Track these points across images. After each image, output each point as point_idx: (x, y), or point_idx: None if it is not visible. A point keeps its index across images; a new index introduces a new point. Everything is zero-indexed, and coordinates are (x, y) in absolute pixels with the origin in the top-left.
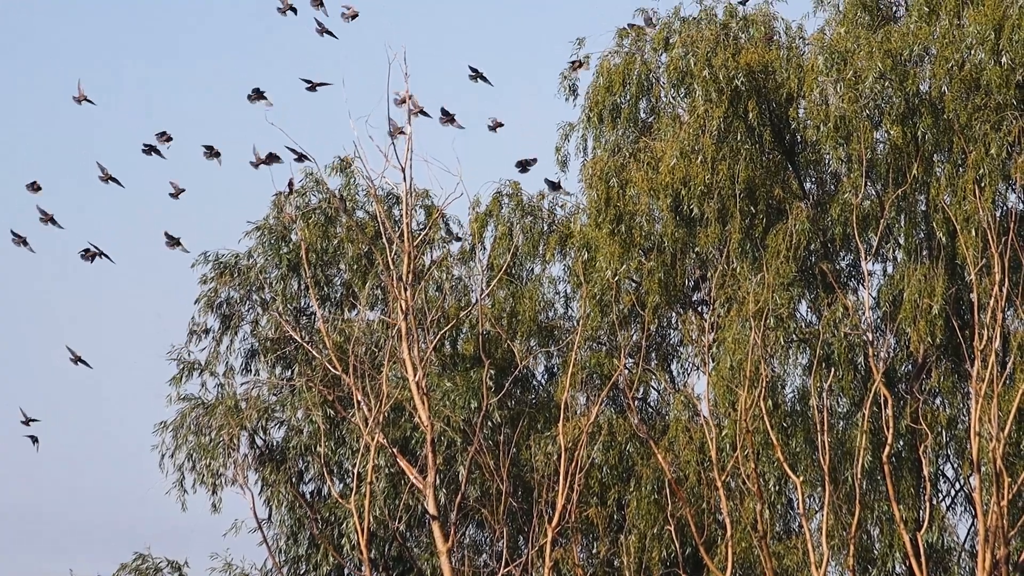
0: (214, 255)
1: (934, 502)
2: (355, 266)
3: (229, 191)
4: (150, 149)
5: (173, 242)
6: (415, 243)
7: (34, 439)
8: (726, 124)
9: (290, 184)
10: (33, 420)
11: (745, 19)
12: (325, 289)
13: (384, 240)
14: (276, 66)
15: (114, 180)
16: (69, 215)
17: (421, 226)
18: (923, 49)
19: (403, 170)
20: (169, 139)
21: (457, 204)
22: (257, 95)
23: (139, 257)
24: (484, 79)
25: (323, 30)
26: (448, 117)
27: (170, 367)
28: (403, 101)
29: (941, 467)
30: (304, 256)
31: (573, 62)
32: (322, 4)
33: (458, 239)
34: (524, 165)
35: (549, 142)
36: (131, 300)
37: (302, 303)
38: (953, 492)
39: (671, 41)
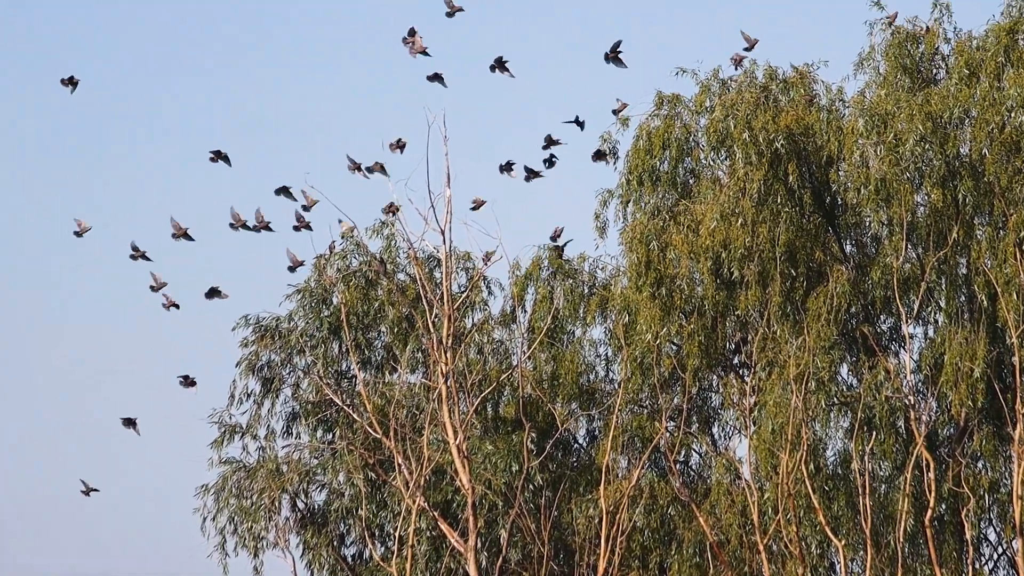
0: (255, 318)
1: (976, 566)
2: (396, 329)
3: (270, 253)
4: (181, 235)
5: (214, 293)
6: (455, 306)
7: (89, 490)
8: (766, 186)
9: (331, 247)
10: (94, 490)
11: (785, 81)
12: (366, 352)
13: (424, 303)
14: (318, 129)
15: (187, 236)
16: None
17: (462, 288)
18: (963, 112)
19: (443, 233)
20: (74, 82)
21: (498, 266)
22: (219, 156)
23: (181, 321)
24: (506, 68)
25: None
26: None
27: (211, 430)
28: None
29: (983, 531)
30: (345, 319)
31: (596, 152)
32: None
33: (499, 288)
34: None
35: (589, 205)
36: (172, 363)
37: (343, 366)
38: (996, 556)
39: (709, 104)
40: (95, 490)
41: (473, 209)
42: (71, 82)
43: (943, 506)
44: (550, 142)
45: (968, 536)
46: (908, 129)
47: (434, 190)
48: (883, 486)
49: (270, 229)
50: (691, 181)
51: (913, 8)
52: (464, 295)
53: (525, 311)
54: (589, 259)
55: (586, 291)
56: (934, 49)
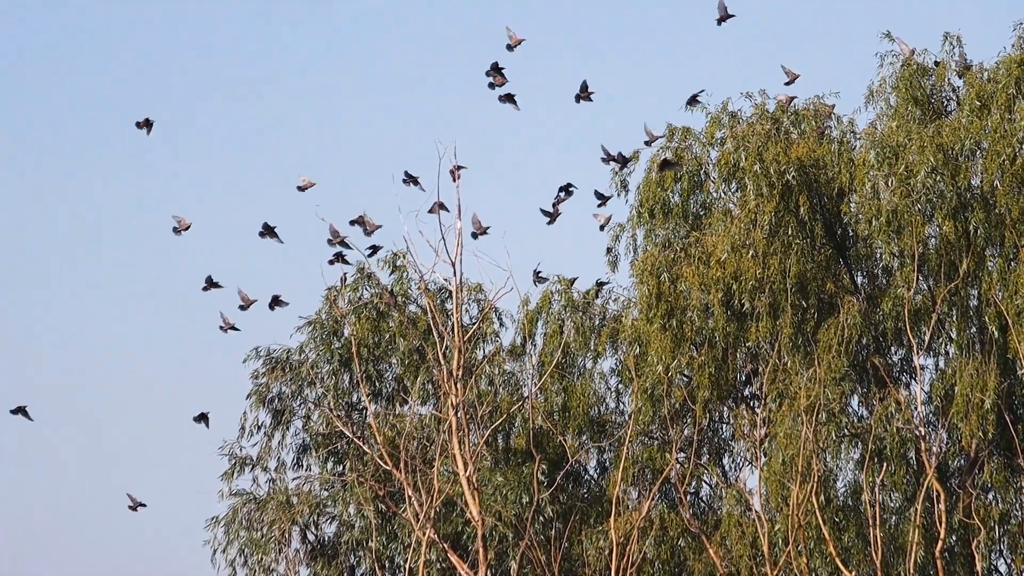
0: (265, 350)
1: None
2: (406, 361)
3: (281, 286)
4: (210, 284)
5: (276, 302)
6: (466, 338)
7: (136, 504)
8: (777, 218)
9: (343, 279)
10: (141, 505)
11: (796, 113)
12: (376, 384)
13: (435, 335)
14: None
15: (214, 285)
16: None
17: (473, 320)
18: (975, 143)
19: (453, 265)
20: (149, 124)
21: (509, 298)
22: (268, 231)
23: (192, 352)
24: (513, 101)
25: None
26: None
27: (222, 462)
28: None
29: (994, 562)
30: (355, 351)
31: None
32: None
33: (511, 319)
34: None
35: (601, 238)
36: (183, 395)
37: (353, 398)
38: None
39: (720, 136)
40: (143, 505)
41: (476, 235)
42: (146, 124)
43: (954, 537)
44: (564, 191)
45: (979, 568)
46: (919, 161)
47: (445, 222)
48: (894, 517)
49: (249, 305)
50: (702, 213)
51: (923, 40)
52: (475, 327)
53: (535, 345)
54: (601, 292)
55: (597, 323)
56: (944, 81)
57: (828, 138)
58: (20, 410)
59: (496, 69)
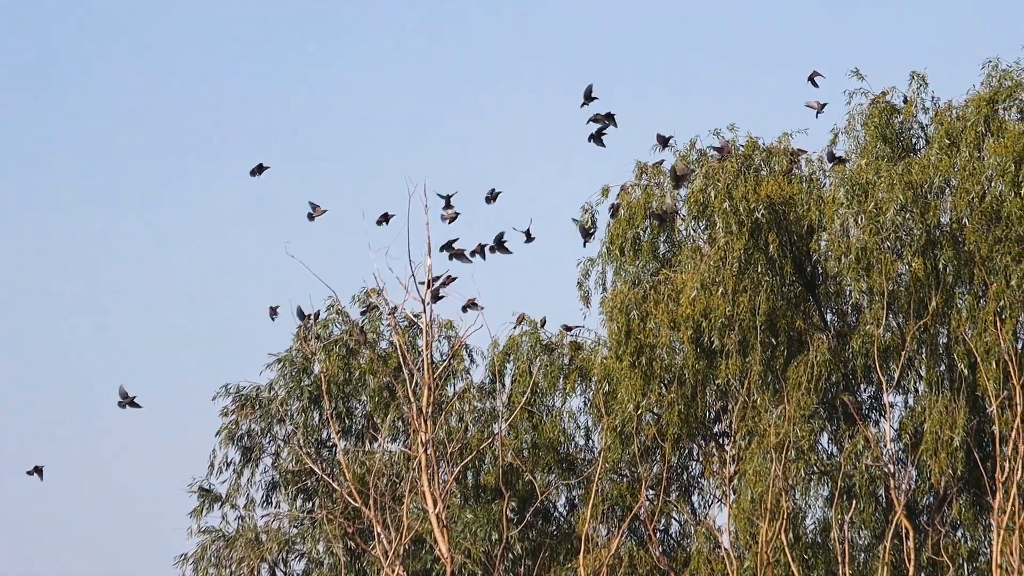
0: (235, 387)
1: None
2: (376, 398)
3: (250, 323)
4: (126, 400)
5: (127, 401)
6: (436, 375)
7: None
8: (747, 256)
9: (315, 315)
10: (133, 403)
11: (768, 151)
12: (346, 421)
13: (405, 372)
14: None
15: (134, 404)
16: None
17: (443, 356)
18: (944, 181)
19: (423, 302)
20: (262, 169)
21: (480, 335)
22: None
23: (160, 389)
24: (494, 199)
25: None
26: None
27: (191, 499)
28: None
29: None
30: (325, 388)
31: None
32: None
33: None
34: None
35: (572, 276)
36: (151, 433)
37: (323, 435)
38: None
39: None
40: (134, 403)
41: (436, 289)
42: (259, 170)
43: (923, 575)
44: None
45: None
46: (888, 198)
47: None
48: (862, 555)
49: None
50: (671, 251)
51: (890, 79)
52: (445, 363)
53: (504, 386)
54: (569, 333)
55: (566, 362)
56: (912, 118)
57: (798, 176)
58: (36, 470)
59: (447, 202)
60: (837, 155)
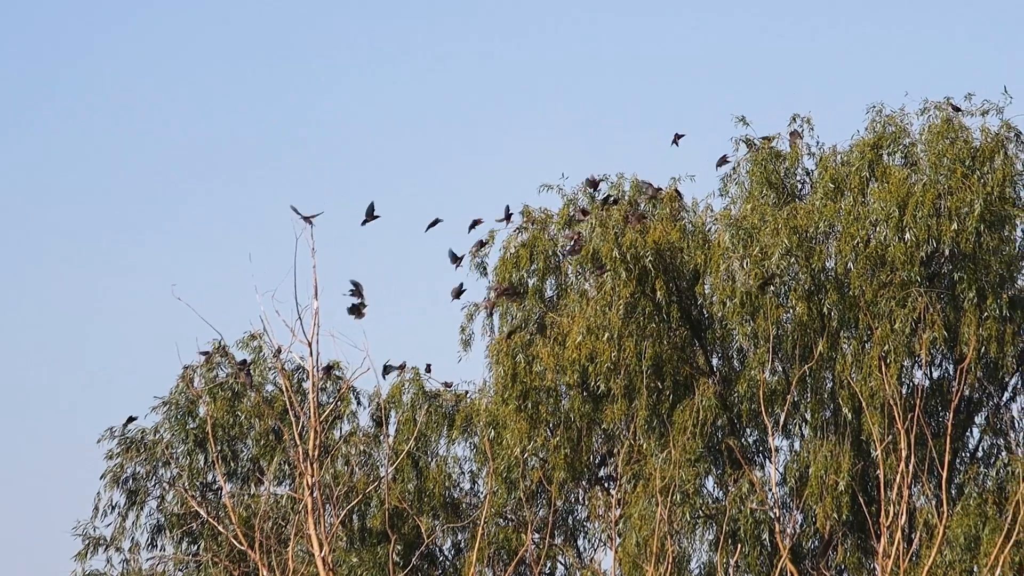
0: (120, 430)
1: None
2: (262, 441)
3: (136, 366)
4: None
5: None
6: (322, 418)
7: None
8: (633, 300)
9: (207, 354)
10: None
11: (654, 197)
12: (232, 464)
13: (291, 415)
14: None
15: None
16: None
17: (330, 399)
18: (828, 226)
19: (309, 345)
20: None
21: (366, 378)
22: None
23: (43, 431)
24: (372, 216)
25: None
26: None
27: (75, 543)
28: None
29: None
30: (211, 431)
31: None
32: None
33: (367, 399)
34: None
35: (457, 319)
36: (34, 476)
37: (209, 478)
38: None
39: (573, 215)
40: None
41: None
42: (371, 216)
43: None
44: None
45: None
46: (774, 243)
47: (302, 301)
48: None
49: None
50: (558, 295)
51: (775, 124)
52: (331, 406)
53: (389, 435)
54: (453, 382)
55: (451, 408)
56: (796, 164)
57: (684, 221)
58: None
59: (358, 290)
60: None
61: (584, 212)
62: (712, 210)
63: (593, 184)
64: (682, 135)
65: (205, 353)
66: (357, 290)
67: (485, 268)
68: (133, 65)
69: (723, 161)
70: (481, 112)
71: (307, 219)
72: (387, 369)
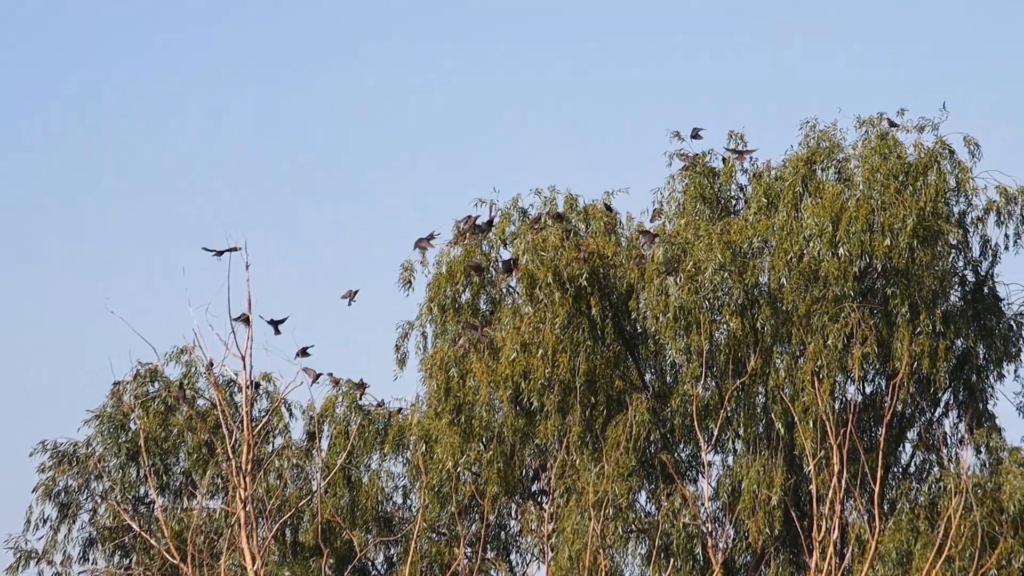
0: (52, 444)
1: None
2: (195, 455)
3: (67, 378)
4: None
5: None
6: (255, 431)
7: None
8: (567, 317)
9: (137, 372)
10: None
11: (585, 211)
12: (164, 478)
13: (224, 429)
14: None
15: None
16: None
17: (263, 412)
18: (762, 241)
19: (243, 359)
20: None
21: (300, 391)
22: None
23: None
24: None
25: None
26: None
27: (6, 556)
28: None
29: None
30: (143, 445)
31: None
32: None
33: (300, 412)
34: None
35: (391, 336)
36: None
37: (141, 491)
38: None
39: (510, 231)
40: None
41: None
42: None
43: None
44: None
45: None
46: (707, 258)
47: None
48: None
49: None
50: (491, 308)
51: (709, 140)
52: (264, 419)
53: (321, 449)
54: (386, 400)
55: (383, 423)
56: (730, 179)
57: (618, 236)
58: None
59: (303, 352)
60: (647, 230)
61: (559, 217)
62: (645, 224)
63: (558, 218)
64: (702, 129)
65: (137, 374)
66: (274, 324)
67: (412, 284)
68: (132, 66)
69: (695, 134)
70: (426, 129)
71: (219, 253)
72: (303, 352)
